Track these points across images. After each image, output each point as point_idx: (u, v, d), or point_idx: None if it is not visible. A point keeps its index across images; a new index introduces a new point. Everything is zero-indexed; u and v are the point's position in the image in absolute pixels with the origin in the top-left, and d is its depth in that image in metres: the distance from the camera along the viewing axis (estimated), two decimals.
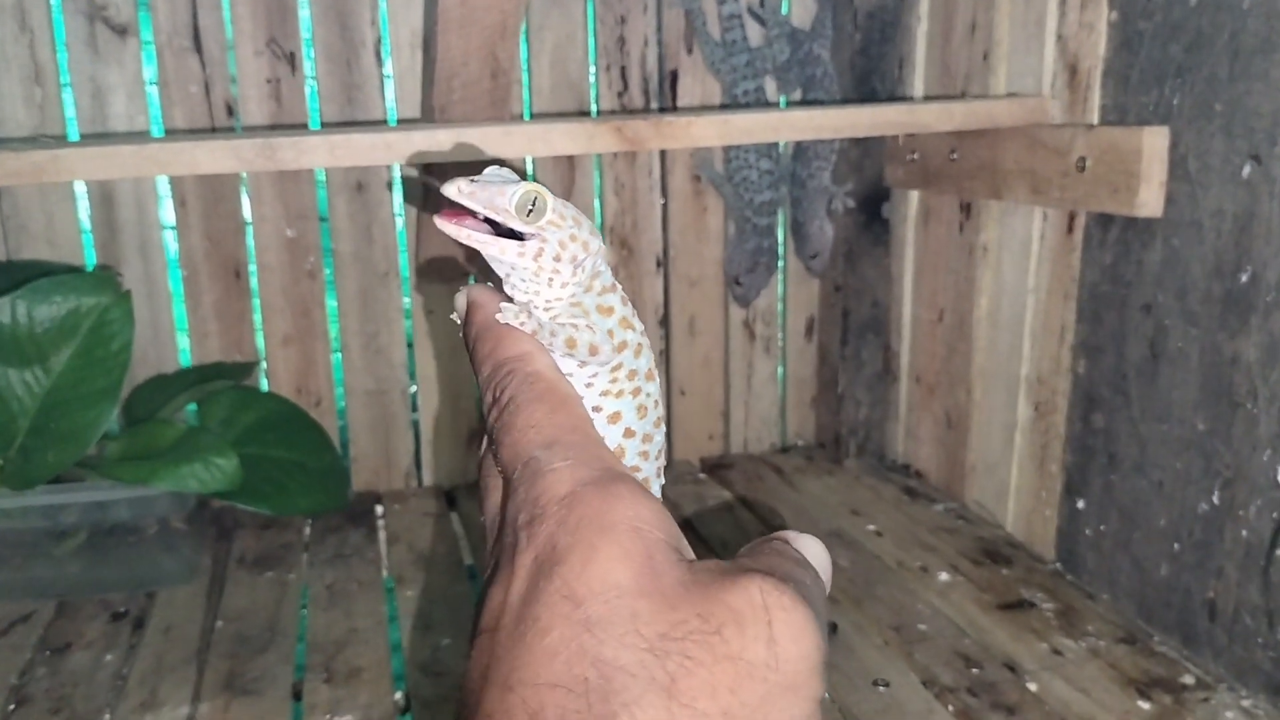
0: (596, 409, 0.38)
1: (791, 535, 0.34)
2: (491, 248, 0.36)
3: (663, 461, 0.40)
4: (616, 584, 0.28)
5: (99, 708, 0.78)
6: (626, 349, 0.38)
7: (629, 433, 0.38)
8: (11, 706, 0.79)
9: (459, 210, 0.36)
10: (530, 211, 0.36)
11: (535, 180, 0.38)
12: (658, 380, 0.40)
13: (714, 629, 0.27)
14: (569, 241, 0.36)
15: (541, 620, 0.28)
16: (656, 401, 0.39)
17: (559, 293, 0.37)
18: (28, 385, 0.83)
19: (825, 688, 0.29)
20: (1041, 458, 0.98)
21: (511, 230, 0.37)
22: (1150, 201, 0.81)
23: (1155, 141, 0.80)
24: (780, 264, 1.24)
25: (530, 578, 0.30)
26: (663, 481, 0.40)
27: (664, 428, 0.40)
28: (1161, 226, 0.81)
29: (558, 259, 0.36)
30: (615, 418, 0.38)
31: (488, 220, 0.37)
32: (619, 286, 0.39)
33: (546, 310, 0.38)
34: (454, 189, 0.35)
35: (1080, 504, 0.93)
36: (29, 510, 0.90)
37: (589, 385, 0.38)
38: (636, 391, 0.38)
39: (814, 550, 0.34)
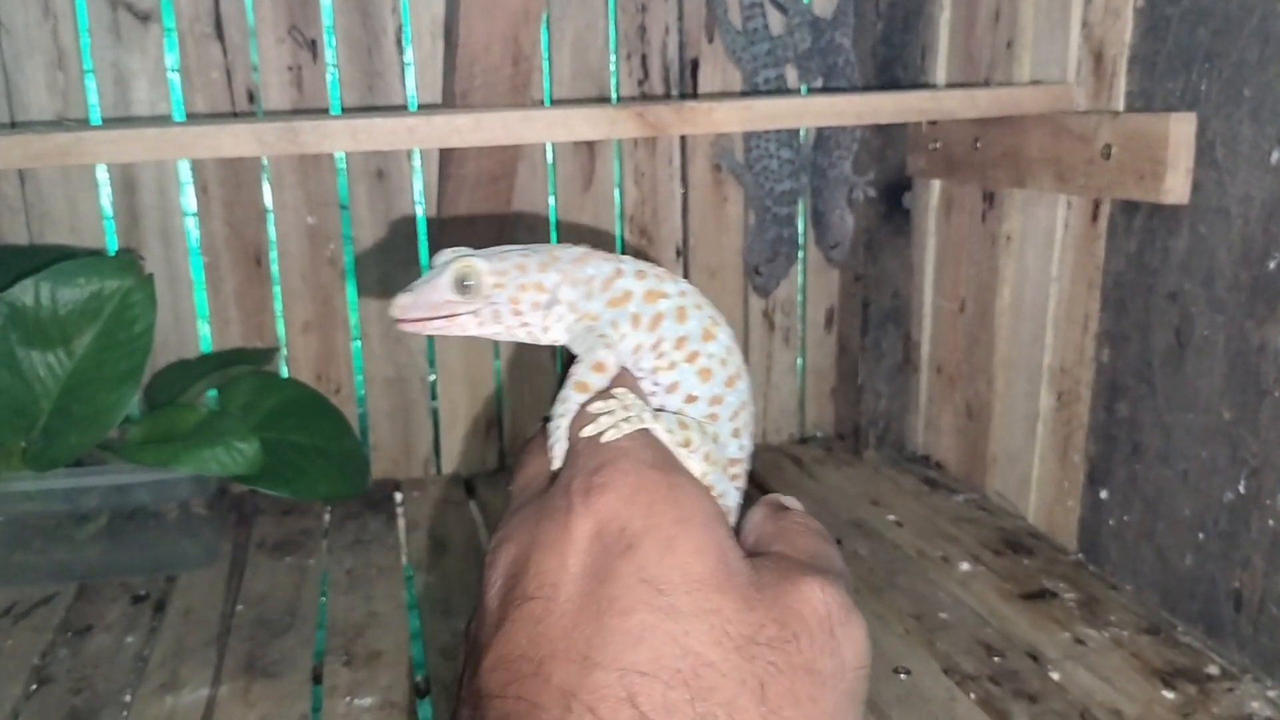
0: (655, 385, 0.37)
1: (788, 500, 0.35)
2: (453, 329, 0.37)
3: (743, 422, 0.38)
4: (698, 577, 0.28)
5: (120, 688, 0.78)
6: (664, 319, 0.37)
7: (690, 398, 0.37)
8: (34, 686, 0.79)
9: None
10: (469, 287, 0.36)
11: (469, 257, 0.38)
12: (727, 332, 0.38)
13: (790, 637, 0.28)
14: (520, 293, 0.37)
15: (620, 601, 0.28)
16: (724, 360, 0.37)
17: (557, 334, 0.38)
18: (50, 367, 0.83)
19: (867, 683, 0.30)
20: (1064, 448, 0.97)
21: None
22: (1177, 188, 0.80)
23: (1182, 128, 0.79)
24: (800, 254, 1.24)
25: (595, 553, 0.29)
26: (743, 442, 0.38)
27: (744, 383, 0.38)
28: (1188, 213, 0.81)
29: (518, 313, 0.37)
30: (673, 388, 0.37)
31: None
32: (626, 264, 0.38)
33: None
34: (396, 309, 0.36)
35: (1103, 494, 0.92)
36: (50, 493, 0.90)
37: (640, 368, 0.37)
38: (693, 356, 0.37)
39: (798, 506, 0.35)
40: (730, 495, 0.37)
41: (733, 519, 0.37)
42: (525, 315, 0.37)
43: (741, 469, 0.37)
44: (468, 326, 0.37)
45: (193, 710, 0.75)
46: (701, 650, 0.27)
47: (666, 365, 0.37)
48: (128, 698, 0.77)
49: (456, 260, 0.37)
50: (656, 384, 0.37)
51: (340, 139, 0.81)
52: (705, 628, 0.28)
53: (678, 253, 1.21)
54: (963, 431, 1.13)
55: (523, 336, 0.38)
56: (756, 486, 1.13)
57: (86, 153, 0.78)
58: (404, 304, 0.36)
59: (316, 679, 0.79)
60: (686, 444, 0.34)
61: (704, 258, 1.22)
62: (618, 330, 0.37)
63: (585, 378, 0.36)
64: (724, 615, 0.28)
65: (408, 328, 0.37)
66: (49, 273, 0.84)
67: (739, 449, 0.38)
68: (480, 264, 0.36)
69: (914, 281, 1.19)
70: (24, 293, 0.83)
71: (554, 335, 0.38)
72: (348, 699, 0.76)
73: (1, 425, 0.84)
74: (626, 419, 0.34)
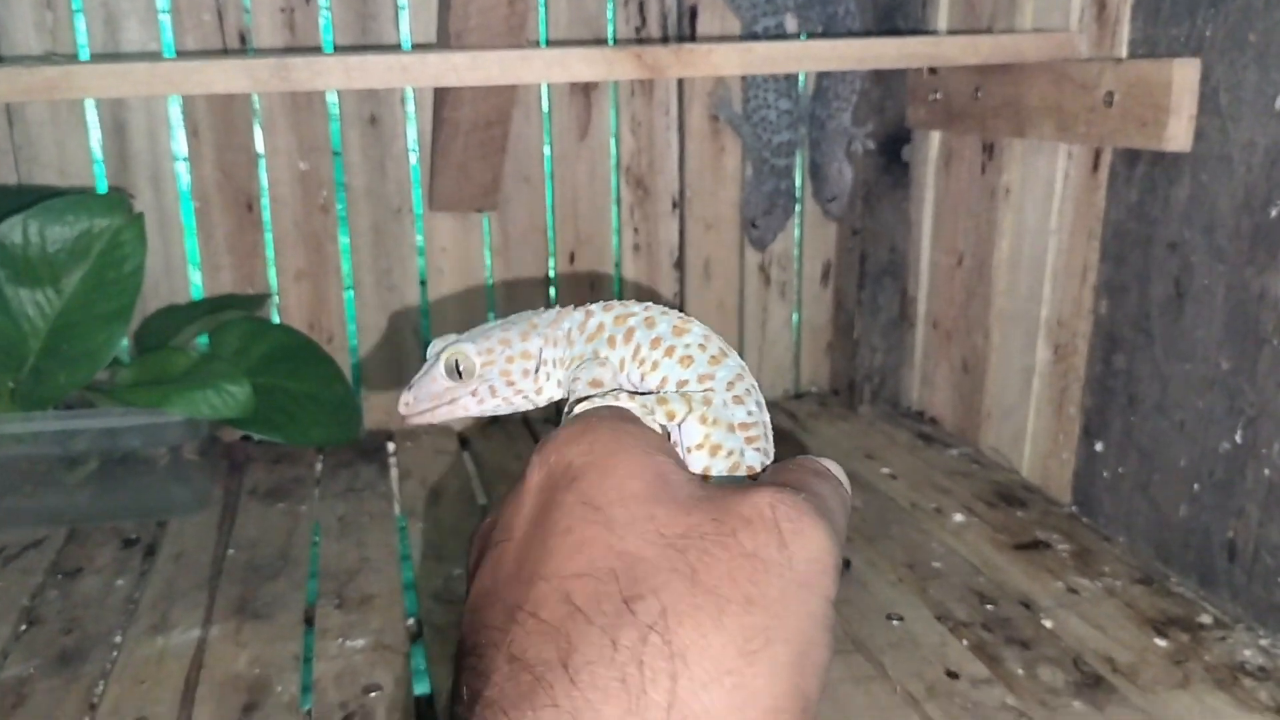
0: (649, 389, 0.38)
1: (810, 458, 0.36)
2: (459, 413, 0.40)
3: (743, 390, 0.38)
4: (634, 493, 0.30)
5: (110, 629, 0.78)
6: (635, 330, 0.39)
7: (681, 383, 0.38)
8: (23, 627, 0.79)
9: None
10: (461, 372, 0.39)
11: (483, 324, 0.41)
12: (701, 325, 0.39)
13: (729, 531, 0.29)
14: (509, 365, 0.40)
15: (562, 523, 0.30)
16: (702, 344, 0.38)
17: (551, 391, 0.40)
18: (39, 306, 0.82)
19: (836, 588, 0.30)
20: (1060, 401, 0.96)
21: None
22: (1179, 135, 0.79)
23: (1186, 74, 0.79)
24: (797, 208, 1.23)
25: (545, 492, 0.31)
26: (749, 408, 0.38)
27: (733, 359, 0.38)
28: (1190, 161, 0.80)
29: (511, 383, 0.40)
30: (663, 383, 0.38)
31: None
32: (595, 306, 0.41)
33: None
34: (402, 407, 0.40)
35: (1098, 446, 0.92)
36: (40, 436, 0.90)
37: (631, 381, 0.39)
38: (670, 350, 0.38)
39: (835, 468, 0.35)
40: (749, 456, 0.37)
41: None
42: (518, 384, 0.40)
43: (758, 432, 0.38)
44: (470, 407, 0.40)
45: (184, 650, 0.75)
46: (633, 549, 0.28)
47: (650, 367, 0.38)
48: (118, 638, 0.77)
49: (446, 349, 0.39)
50: (649, 388, 0.39)
51: (333, 76, 0.79)
52: (638, 532, 0.29)
53: (674, 205, 1.20)
54: (958, 386, 1.13)
55: (521, 403, 0.41)
56: None
57: (75, 87, 0.77)
58: (408, 400, 0.40)
59: (308, 621, 0.79)
60: (671, 416, 0.36)
61: (700, 210, 1.21)
62: (599, 357, 0.39)
63: (584, 393, 0.38)
64: (658, 520, 0.29)
65: (416, 420, 0.40)
66: (37, 210, 0.83)
67: (747, 414, 0.38)
68: (467, 348, 0.39)
69: (912, 235, 1.18)
70: (12, 230, 0.82)
71: (549, 393, 0.40)
72: (340, 640, 0.76)
73: None
74: (602, 398, 0.37)
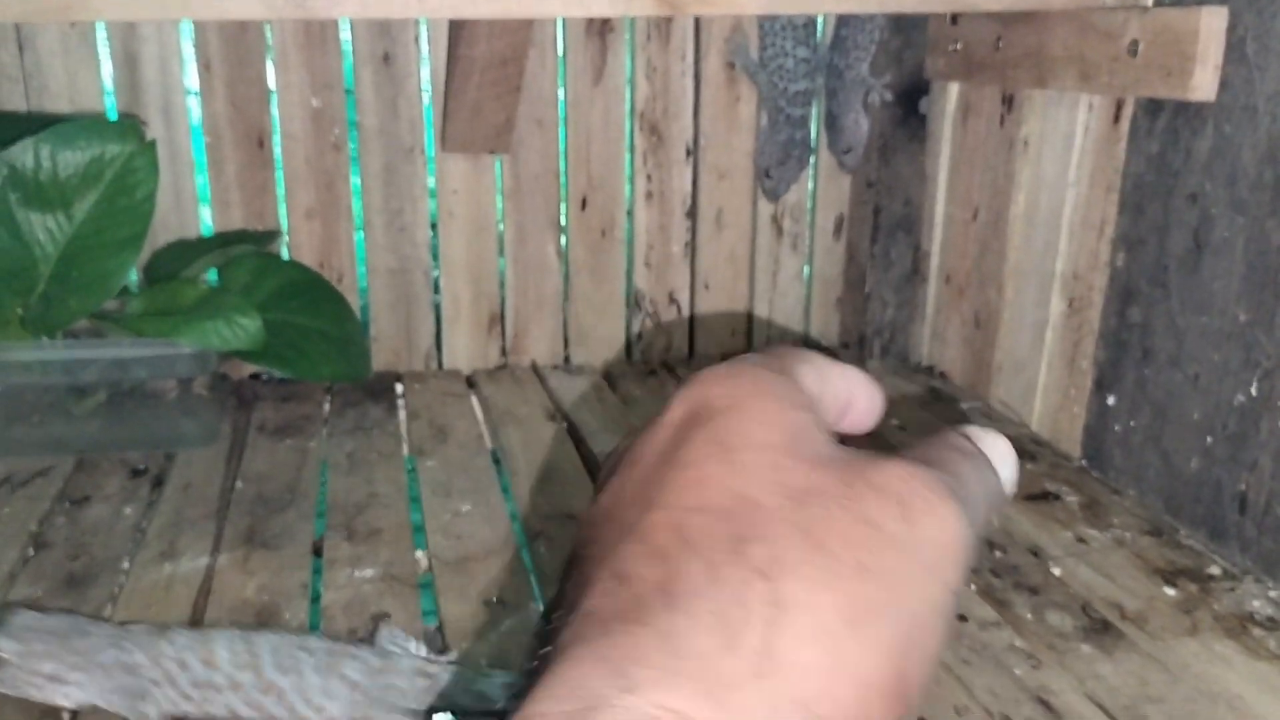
0: None
1: (975, 430, 0.34)
2: None
3: None
4: (764, 440, 0.29)
5: (118, 555, 0.78)
6: None
7: None
8: (31, 552, 0.79)
9: None
10: None
11: None
12: None
13: (854, 496, 0.28)
14: None
15: (688, 457, 0.29)
16: None
17: None
18: (50, 231, 0.82)
19: (963, 582, 0.29)
20: (1072, 355, 0.96)
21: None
22: (1205, 85, 0.78)
23: (1213, 22, 0.77)
24: (811, 160, 1.22)
25: (680, 427, 0.31)
26: None
27: None
28: (1214, 112, 0.79)
29: None
30: None
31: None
32: None
33: None
34: None
35: (1110, 400, 0.91)
36: (49, 365, 0.89)
37: None
38: None
39: (1000, 449, 0.33)
40: None
41: None
42: None
43: None
44: None
45: (191, 578, 0.75)
46: (753, 495, 0.28)
47: None
48: (126, 564, 0.77)
49: None
50: None
51: (349, 4, 0.78)
52: (761, 479, 0.28)
53: (687, 153, 1.20)
54: (969, 341, 1.13)
55: None
56: None
57: (89, 8, 0.76)
58: None
59: (317, 552, 0.79)
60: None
61: (714, 158, 1.20)
62: None
63: None
64: (783, 470, 0.28)
65: None
66: (48, 134, 0.82)
67: None
68: None
69: (926, 189, 1.17)
70: (24, 153, 0.82)
71: None
72: (349, 571, 0.76)
73: (0, 288, 0.82)
74: None
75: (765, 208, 1.24)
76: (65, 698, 0.59)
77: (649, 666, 0.25)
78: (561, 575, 0.31)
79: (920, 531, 0.28)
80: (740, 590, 0.26)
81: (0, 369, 0.88)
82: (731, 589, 0.26)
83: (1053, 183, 0.98)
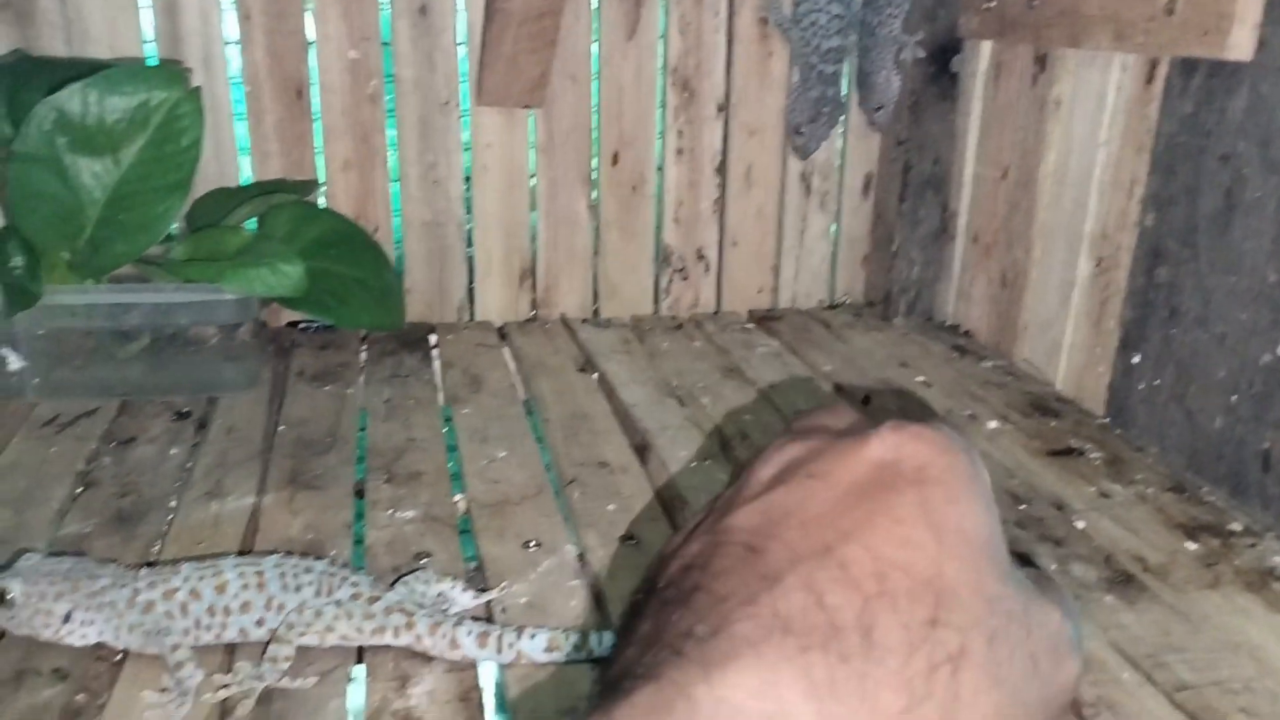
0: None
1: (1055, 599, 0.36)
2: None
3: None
4: (971, 534, 0.31)
5: (165, 494, 0.80)
6: None
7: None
8: (80, 489, 0.81)
9: None
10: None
11: None
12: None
13: (1025, 625, 0.31)
14: None
15: (896, 510, 0.31)
16: None
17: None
18: (97, 176, 0.83)
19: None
20: (1099, 315, 0.97)
21: None
22: (1242, 43, 0.79)
23: None
24: (842, 118, 1.22)
25: (884, 470, 0.32)
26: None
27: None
28: (1250, 71, 0.79)
29: None
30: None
31: None
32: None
33: None
34: None
35: (1135, 359, 0.92)
36: (94, 310, 0.91)
37: None
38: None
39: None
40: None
41: None
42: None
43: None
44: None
45: (238, 516, 0.77)
46: (952, 579, 0.30)
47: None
48: (173, 503, 0.79)
49: None
50: None
51: None
52: (962, 569, 0.30)
53: (719, 109, 1.20)
54: (995, 300, 1.14)
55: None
56: (785, 345, 1.14)
57: None
58: None
59: (358, 494, 0.81)
60: None
61: (745, 115, 1.21)
62: None
63: None
64: (980, 570, 0.31)
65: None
66: (96, 79, 0.83)
67: None
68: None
69: (956, 148, 1.18)
70: (70, 98, 0.83)
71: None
72: (390, 511, 0.78)
73: (48, 231, 0.84)
74: None
75: (794, 165, 1.24)
76: (81, 637, 0.61)
77: (842, 702, 0.27)
78: (692, 524, 0.33)
79: (1058, 677, 0.32)
80: (930, 670, 0.28)
81: (47, 312, 0.90)
82: (921, 662, 0.28)
83: (1083, 143, 0.98)
